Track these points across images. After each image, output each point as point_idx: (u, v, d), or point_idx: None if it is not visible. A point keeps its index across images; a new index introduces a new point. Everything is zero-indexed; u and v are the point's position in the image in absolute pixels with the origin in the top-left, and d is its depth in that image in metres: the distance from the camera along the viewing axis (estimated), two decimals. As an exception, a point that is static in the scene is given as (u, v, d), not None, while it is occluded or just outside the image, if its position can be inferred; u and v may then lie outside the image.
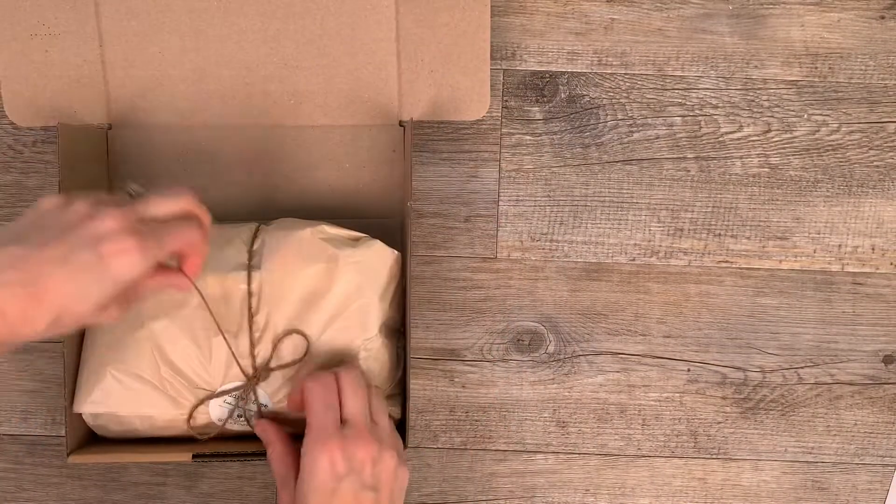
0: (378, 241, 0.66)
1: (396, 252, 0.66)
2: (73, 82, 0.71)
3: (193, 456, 0.64)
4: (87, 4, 0.70)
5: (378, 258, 0.65)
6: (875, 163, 0.74)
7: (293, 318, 0.63)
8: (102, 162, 0.72)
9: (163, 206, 0.54)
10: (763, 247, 0.74)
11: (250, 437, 0.65)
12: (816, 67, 0.74)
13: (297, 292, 0.63)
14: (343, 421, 0.58)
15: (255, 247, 0.65)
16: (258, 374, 0.63)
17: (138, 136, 0.72)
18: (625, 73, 0.74)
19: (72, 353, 0.66)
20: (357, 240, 0.66)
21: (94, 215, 0.50)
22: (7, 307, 0.46)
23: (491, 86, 0.73)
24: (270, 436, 0.62)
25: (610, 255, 0.74)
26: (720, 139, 0.74)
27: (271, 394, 0.64)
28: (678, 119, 0.74)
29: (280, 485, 0.60)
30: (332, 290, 0.64)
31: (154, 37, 0.70)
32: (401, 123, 0.71)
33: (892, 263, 0.75)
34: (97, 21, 0.70)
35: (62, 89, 0.71)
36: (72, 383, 0.65)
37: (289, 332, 0.63)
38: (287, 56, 0.70)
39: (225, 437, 0.66)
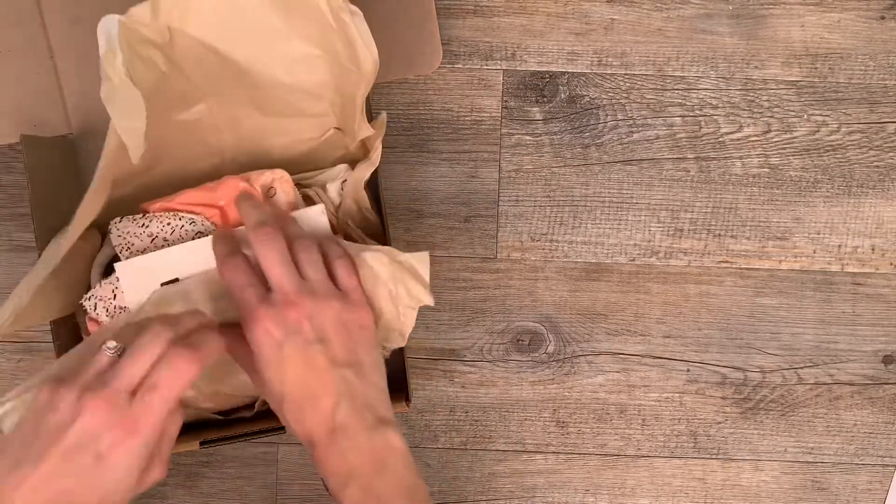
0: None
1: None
2: (30, 95, 0.71)
3: (201, 443, 0.64)
4: (34, 18, 0.70)
5: None
6: (875, 163, 0.74)
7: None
8: (71, 172, 0.72)
9: (141, 360, 0.49)
10: (763, 247, 0.74)
11: (256, 418, 0.65)
12: (816, 68, 0.74)
13: None
14: (268, 290, 0.56)
15: None
16: None
17: (101, 142, 0.70)
18: (625, 74, 0.74)
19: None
20: None
21: (80, 409, 0.48)
22: None
23: (491, 86, 0.73)
24: (226, 338, 0.56)
25: (610, 255, 0.74)
26: (720, 139, 0.74)
27: None
28: (678, 119, 0.74)
29: (250, 373, 0.57)
30: None
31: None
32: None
33: (892, 263, 0.75)
34: (45, 32, 0.70)
35: (20, 105, 0.71)
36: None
37: None
38: None
39: (230, 420, 0.66)
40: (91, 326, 0.64)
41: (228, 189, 0.64)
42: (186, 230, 0.63)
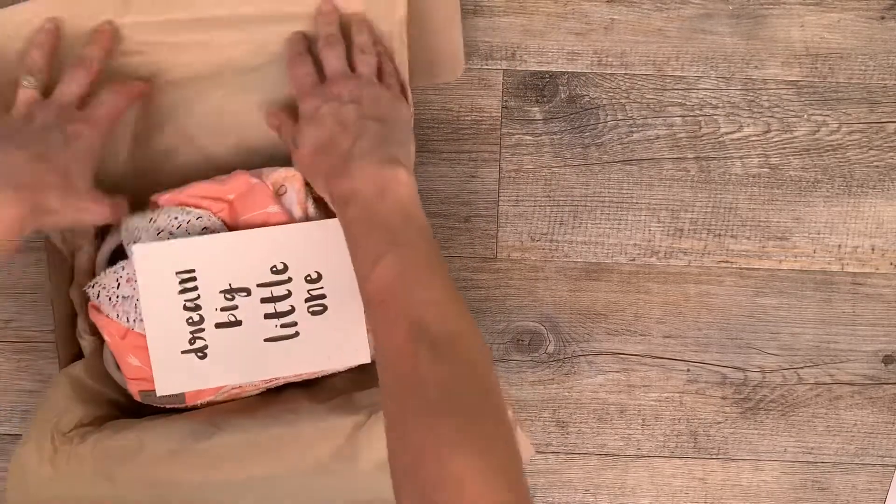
0: None
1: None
2: None
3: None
4: None
5: None
6: (875, 163, 0.74)
7: None
8: None
9: (76, 80, 0.63)
10: (763, 247, 0.74)
11: None
12: (816, 67, 0.74)
13: None
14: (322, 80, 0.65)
15: None
16: None
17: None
18: (625, 74, 0.74)
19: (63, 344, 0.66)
20: None
21: (46, 114, 0.61)
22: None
23: (491, 86, 0.73)
24: (275, 117, 0.67)
25: (610, 255, 0.74)
26: (720, 139, 0.74)
27: None
28: (678, 119, 0.74)
29: (289, 144, 0.65)
30: None
31: None
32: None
33: (892, 263, 0.75)
34: None
35: None
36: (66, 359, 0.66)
37: None
38: None
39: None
40: (92, 314, 0.65)
41: (238, 184, 0.65)
42: (193, 225, 0.64)
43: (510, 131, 0.74)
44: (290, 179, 0.65)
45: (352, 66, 0.65)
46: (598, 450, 0.75)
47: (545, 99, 0.74)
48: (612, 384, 0.75)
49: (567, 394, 0.75)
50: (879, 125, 0.74)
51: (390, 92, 0.65)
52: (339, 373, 0.67)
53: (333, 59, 0.66)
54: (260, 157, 0.69)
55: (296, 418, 0.64)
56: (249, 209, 0.64)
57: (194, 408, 0.67)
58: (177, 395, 0.65)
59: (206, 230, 0.64)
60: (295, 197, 0.64)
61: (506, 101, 0.74)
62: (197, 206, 0.64)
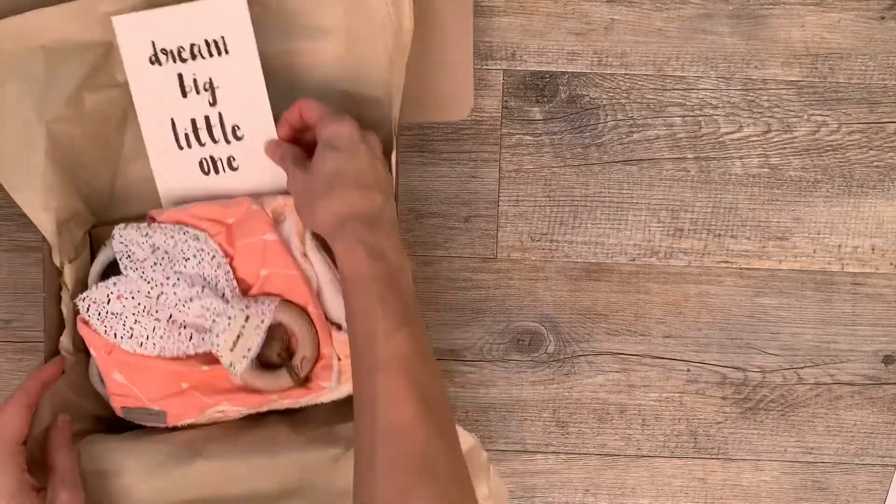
0: None
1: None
2: None
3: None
4: None
5: None
6: (875, 163, 0.74)
7: None
8: None
9: None
10: (763, 247, 0.74)
11: None
12: (816, 68, 0.74)
13: None
14: None
15: None
16: None
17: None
18: (625, 74, 0.74)
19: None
20: None
21: None
22: None
23: (491, 86, 0.73)
24: (281, 121, 0.65)
25: (610, 255, 0.74)
26: (720, 139, 0.74)
27: None
28: (678, 119, 0.74)
29: (292, 163, 0.63)
30: None
31: None
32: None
33: (892, 263, 0.75)
34: None
35: None
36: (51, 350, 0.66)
37: None
38: None
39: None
40: (80, 327, 0.65)
41: (239, 209, 0.65)
42: (189, 245, 0.64)
43: (510, 131, 0.74)
44: (289, 207, 0.65)
45: None
46: (598, 450, 0.75)
47: (545, 99, 0.74)
48: (612, 384, 0.75)
49: (567, 394, 0.75)
50: (879, 125, 0.74)
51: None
52: (323, 403, 0.67)
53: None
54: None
55: (276, 448, 0.63)
56: (246, 234, 0.64)
57: (175, 428, 0.66)
58: (158, 414, 0.65)
59: (201, 251, 0.64)
60: (294, 227, 0.64)
61: (506, 101, 0.74)
62: (196, 227, 0.65)
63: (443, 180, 0.74)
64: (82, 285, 0.66)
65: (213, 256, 0.64)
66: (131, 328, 0.63)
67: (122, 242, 0.64)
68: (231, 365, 0.63)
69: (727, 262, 0.74)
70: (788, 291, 0.75)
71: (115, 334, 0.63)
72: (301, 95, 0.65)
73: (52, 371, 0.64)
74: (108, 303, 0.63)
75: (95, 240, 0.69)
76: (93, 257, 0.68)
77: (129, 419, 0.66)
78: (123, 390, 0.65)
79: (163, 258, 0.64)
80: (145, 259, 0.64)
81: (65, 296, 0.66)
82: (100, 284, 0.64)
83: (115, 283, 0.64)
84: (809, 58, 0.74)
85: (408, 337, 0.55)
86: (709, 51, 0.74)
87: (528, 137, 0.74)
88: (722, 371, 0.75)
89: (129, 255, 0.64)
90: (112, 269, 0.65)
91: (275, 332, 0.65)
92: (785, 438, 0.75)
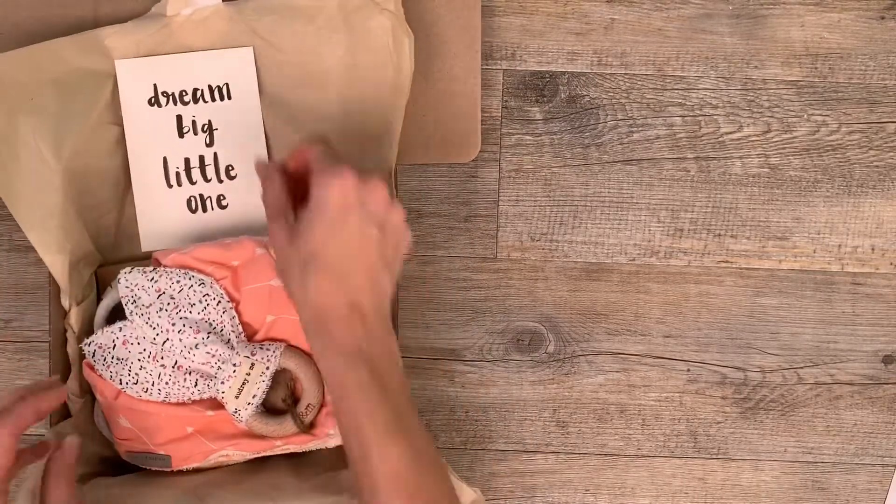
0: None
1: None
2: None
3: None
4: None
5: None
6: (875, 163, 0.74)
7: None
8: None
9: None
10: (763, 247, 0.74)
11: None
12: (816, 67, 0.74)
13: None
14: None
15: None
16: None
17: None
18: (625, 73, 0.74)
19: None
20: None
21: None
22: None
23: (491, 86, 0.73)
24: (270, 169, 0.57)
25: (610, 255, 0.74)
26: (720, 139, 0.74)
27: None
28: (678, 119, 0.74)
29: (273, 215, 0.56)
30: None
31: None
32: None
33: (892, 263, 0.75)
34: None
35: None
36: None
37: None
38: None
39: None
40: (86, 371, 0.64)
41: (243, 251, 0.64)
42: (195, 290, 0.63)
43: (510, 131, 0.74)
44: None
45: None
46: (598, 450, 0.75)
47: (545, 99, 0.74)
48: (612, 384, 0.75)
49: (567, 394, 0.75)
50: (879, 125, 0.74)
51: (405, 223, 0.58)
52: (328, 448, 0.67)
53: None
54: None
55: (279, 495, 0.63)
56: (252, 280, 0.64)
57: (179, 472, 0.65)
58: (163, 458, 0.65)
59: (207, 296, 0.63)
60: None
61: (506, 101, 0.74)
62: (201, 271, 0.64)
63: (443, 180, 0.74)
64: (88, 326, 0.66)
65: (219, 302, 0.64)
66: (136, 374, 0.63)
67: (127, 287, 0.64)
68: (236, 412, 0.63)
69: (727, 261, 0.74)
70: (788, 291, 0.75)
71: (121, 380, 0.63)
72: (299, 131, 0.66)
73: (50, 404, 0.55)
74: (114, 348, 0.63)
75: (101, 280, 0.68)
76: (98, 298, 0.67)
77: (133, 463, 0.66)
78: (129, 434, 0.64)
79: (168, 303, 0.63)
80: (150, 304, 0.63)
81: (70, 338, 0.65)
82: (105, 329, 0.64)
83: (120, 329, 0.63)
84: (809, 58, 0.74)
85: (404, 450, 0.52)
86: (709, 51, 0.74)
87: (528, 137, 0.74)
88: (722, 371, 0.75)
89: (134, 301, 0.63)
90: (117, 312, 0.65)
91: (280, 377, 0.65)
92: (785, 438, 0.75)
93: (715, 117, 0.74)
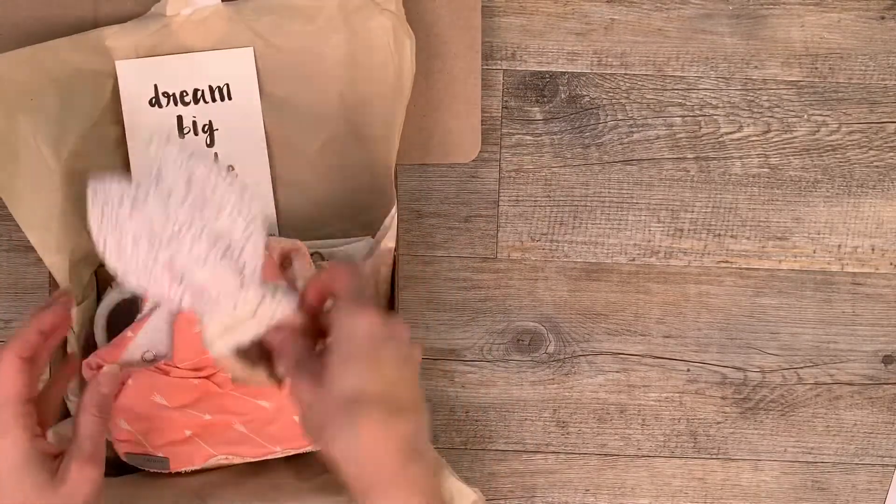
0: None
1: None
2: None
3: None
4: None
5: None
6: (875, 163, 0.74)
7: None
8: None
9: None
10: (763, 247, 0.74)
11: None
12: (816, 68, 0.74)
13: None
14: None
15: None
16: None
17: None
18: (625, 74, 0.74)
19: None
20: None
21: None
22: None
23: (491, 86, 0.73)
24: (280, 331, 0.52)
25: (610, 255, 0.74)
26: (720, 139, 0.74)
27: None
28: (678, 119, 0.74)
29: (296, 367, 0.50)
30: None
31: None
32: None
33: (891, 263, 0.75)
34: None
35: None
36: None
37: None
38: None
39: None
40: (86, 372, 0.63)
41: None
42: (229, 197, 0.56)
43: (510, 131, 0.74)
44: (296, 254, 0.64)
45: None
46: (598, 450, 0.75)
47: (545, 99, 0.74)
48: (612, 384, 0.75)
49: (567, 394, 0.75)
50: (879, 125, 0.74)
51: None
52: None
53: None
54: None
55: (279, 495, 0.62)
56: None
57: (178, 474, 0.65)
58: (161, 460, 0.63)
59: (237, 210, 0.54)
60: (300, 273, 0.63)
61: (506, 101, 0.74)
62: None
63: (442, 180, 0.74)
64: (88, 327, 0.66)
65: (249, 223, 0.53)
66: (125, 247, 0.52)
67: (158, 159, 0.53)
68: (211, 343, 0.54)
69: (727, 262, 0.74)
70: (788, 291, 0.75)
71: (104, 240, 0.52)
72: (300, 131, 0.66)
73: (54, 320, 0.52)
74: (120, 206, 0.52)
75: (101, 280, 0.68)
76: (98, 298, 0.67)
77: (132, 464, 0.65)
78: (128, 436, 0.64)
79: (196, 199, 0.53)
80: (175, 190, 0.53)
81: (70, 338, 0.65)
82: (122, 183, 0.53)
83: (136, 189, 0.53)
84: (809, 58, 0.74)
85: None
86: (709, 51, 0.74)
87: (528, 137, 0.74)
88: (722, 371, 0.75)
89: (157, 179, 0.53)
90: (118, 313, 0.64)
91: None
92: (785, 438, 0.75)
93: (715, 117, 0.74)
